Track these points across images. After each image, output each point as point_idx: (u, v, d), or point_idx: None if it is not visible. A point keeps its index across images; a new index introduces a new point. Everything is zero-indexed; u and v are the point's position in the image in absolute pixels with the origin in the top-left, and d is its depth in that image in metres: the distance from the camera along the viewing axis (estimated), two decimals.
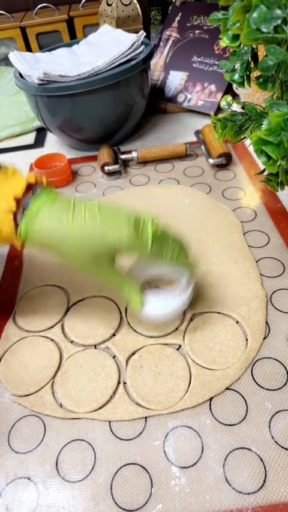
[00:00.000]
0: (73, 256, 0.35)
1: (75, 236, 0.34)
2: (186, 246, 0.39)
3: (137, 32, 0.67)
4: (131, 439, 0.34)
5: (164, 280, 0.41)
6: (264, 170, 0.48)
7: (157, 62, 0.85)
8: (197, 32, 0.81)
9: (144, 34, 0.67)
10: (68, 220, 0.34)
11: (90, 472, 0.32)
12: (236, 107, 0.73)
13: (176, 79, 0.82)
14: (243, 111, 0.45)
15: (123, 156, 0.67)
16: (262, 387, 0.36)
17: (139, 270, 0.40)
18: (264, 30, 0.29)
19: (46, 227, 0.34)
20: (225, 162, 0.63)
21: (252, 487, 0.30)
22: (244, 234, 0.52)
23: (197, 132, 0.72)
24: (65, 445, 0.34)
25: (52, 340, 0.42)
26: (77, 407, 0.36)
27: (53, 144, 0.79)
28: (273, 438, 0.33)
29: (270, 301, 0.43)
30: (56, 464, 0.33)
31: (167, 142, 0.74)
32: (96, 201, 0.36)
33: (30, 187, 0.35)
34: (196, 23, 0.81)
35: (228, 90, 0.78)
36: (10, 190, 0.34)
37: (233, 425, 0.34)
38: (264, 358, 0.38)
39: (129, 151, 0.68)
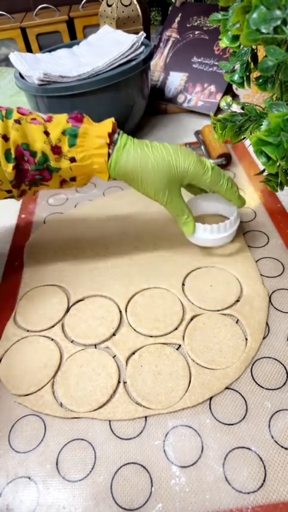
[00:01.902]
0: (151, 181, 0.42)
1: (156, 162, 0.41)
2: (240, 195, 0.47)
3: (137, 33, 0.68)
4: (131, 439, 0.34)
5: (215, 217, 0.52)
6: (263, 170, 0.48)
7: (157, 63, 0.85)
8: (196, 32, 0.81)
9: (144, 35, 0.67)
10: (149, 150, 0.42)
11: (90, 472, 0.33)
12: (235, 108, 0.73)
13: (175, 80, 0.82)
14: (242, 111, 0.46)
15: None
16: (262, 387, 0.36)
17: (196, 205, 0.50)
18: (264, 30, 0.29)
19: (133, 156, 0.41)
20: (225, 162, 0.63)
21: (252, 486, 0.30)
22: (244, 234, 0.52)
23: (197, 133, 0.72)
24: (65, 444, 0.34)
25: (52, 339, 0.43)
26: (77, 406, 0.36)
27: None
28: (272, 438, 0.33)
29: (270, 301, 0.43)
30: (56, 464, 0.33)
31: (167, 143, 0.74)
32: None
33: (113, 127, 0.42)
34: (196, 23, 0.82)
35: (228, 91, 0.78)
36: (101, 129, 0.41)
37: (232, 424, 0.34)
38: (264, 357, 0.38)
39: None
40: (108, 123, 0.41)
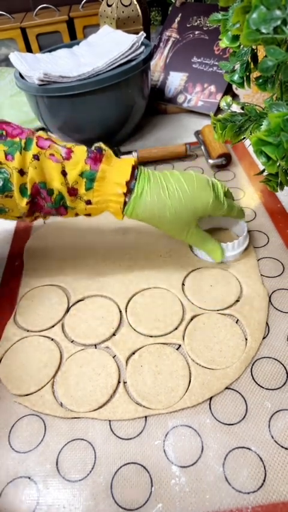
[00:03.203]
0: (169, 226, 0.42)
1: (173, 208, 0.40)
2: (240, 207, 0.48)
3: (137, 33, 0.68)
4: (131, 439, 0.34)
5: (222, 229, 0.52)
6: (263, 170, 0.48)
7: (157, 63, 0.85)
8: (196, 32, 0.81)
9: (144, 35, 0.67)
10: (166, 195, 0.40)
11: (90, 472, 0.33)
12: (235, 108, 0.73)
13: (175, 80, 0.82)
14: (242, 111, 0.46)
15: (123, 157, 0.67)
16: (262, 387, 0.36)
17: (203, 223, 0.50)
18: (263, 31, 0.29)
19: (150, 204, 0.40)
20: (224, 162, 0.63)
21: (252, 486, 0.30)
22: None
23: (197, 133, 0.72)
24: (65, 444, 0.34)
25: (52, 339, 0.43)
26: (77, 406, 0.36)
27: None
28: (272, 437, 0.33)
29: (270, 301, 0.43)
30: (57, 464, 0.33)
31: (167, 143, 0.74)
32: (175, 170, 0.44)
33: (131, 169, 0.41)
34: (196, 23, 0.82)
35: (228, 91, 0.78)
36: (119, 175, 0.40)
37: (232, 424, 0.34)
38: (264, 357, 0.38)
39: (130, 152, 0.68)
40: (127, 168, 0.40)
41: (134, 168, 0.41)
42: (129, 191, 0.40)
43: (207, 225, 0.51)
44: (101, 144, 0.41)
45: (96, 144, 0.41)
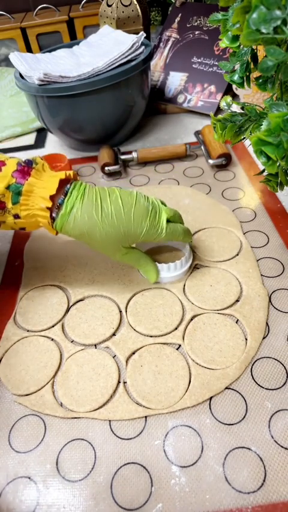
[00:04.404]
0: (100, 244, 0.41)
1: (104, 230, 0.39)
2: (189, 230, 0.46)
3: (137, 33, 0.68)
4: (131, 439, 0.34)
5: (165, 249, 0.51)
6: (263, 170, 0.48)
7: (157, 63, 0.85)
8: (196, 32, 0.81)
9: (144, 35, 0.67)
10: (98, 215, 0.39)
11: (90, 472, 0.33)
12: (235, 108, 0.73)
13: (175, 80, 0.82)
14: (242, 111, 0.46)
15: (123, 157, 0.67)
16: (262, 387, 0.36)
17: (145, 243, 0.49)
18: (263, 31, 0.29)
19: (79, 223, 0.39)
20: (225, 162, 0.63)
21: (252, 486, 0.30)
22: (244, 234, 0.52)
23: (197, 133, 0.72)
24: (65, 444, 0.34)
25: (52, 339, 0.43)
26: (77, 406, 0.36)
27: (54, 144, 0.79)
28: (272, 437, 0.33)
29: (270, 301, 0.43)
30: (57, 464, 0.33)
31: (167, 143, 0.74)
32: (117, 189, 0.42)
33: (62, 183, 0.39)
34: (196, 23, 0.82)
35: (228, 91, 0.78)
36: (45, 188, 0.38)
37: (232, 424, 0.34)
38: (264, 357, 0.38)
39: (129, 152, 0.68)
40: (55, 181, 0.38)
41: (64, 182, 0.39)
42: (58, 207, 0.39)
43: (160, 243, 0.51)
44: (37, 157, 0.40)
45: (31, 157, 0.40)
